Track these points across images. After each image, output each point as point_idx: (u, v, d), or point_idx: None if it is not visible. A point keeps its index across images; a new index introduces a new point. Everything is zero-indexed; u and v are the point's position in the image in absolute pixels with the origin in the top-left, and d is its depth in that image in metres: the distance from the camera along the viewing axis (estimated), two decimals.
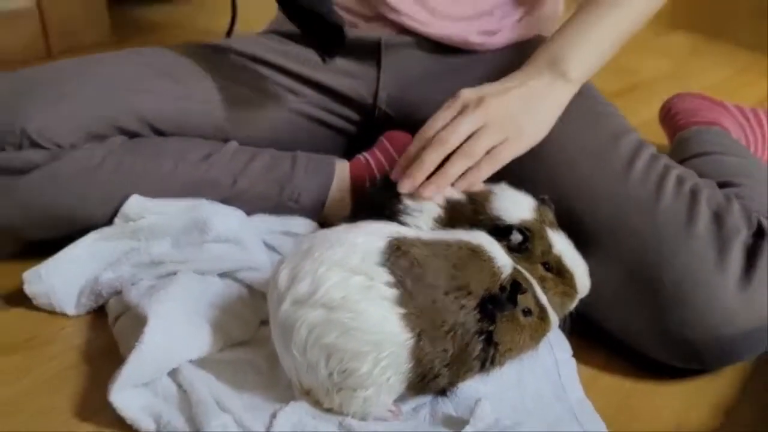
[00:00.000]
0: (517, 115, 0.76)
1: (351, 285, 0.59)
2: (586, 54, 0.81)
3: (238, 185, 0.89)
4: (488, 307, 0.61)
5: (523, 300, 0.63)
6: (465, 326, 0.61)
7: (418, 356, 0.60)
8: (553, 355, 0.73)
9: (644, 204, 0.75)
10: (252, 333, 0.76)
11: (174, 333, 0.69)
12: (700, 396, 0.73)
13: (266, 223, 0.88)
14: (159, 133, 0.89)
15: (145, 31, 1.76)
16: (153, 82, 0.89)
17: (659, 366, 0.74)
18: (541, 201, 0.75)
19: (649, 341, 0.73)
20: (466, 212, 0.75)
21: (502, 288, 0.63)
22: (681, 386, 0.74)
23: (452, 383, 0.66)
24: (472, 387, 0.67)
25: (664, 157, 0.81)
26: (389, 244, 0.62)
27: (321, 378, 0.61)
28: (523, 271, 0.66)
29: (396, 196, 0.75)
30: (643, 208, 0.75)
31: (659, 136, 1.22)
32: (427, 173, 0.74)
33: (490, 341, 0.62)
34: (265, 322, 0.72)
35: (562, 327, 0.75)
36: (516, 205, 0.75)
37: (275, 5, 0.87)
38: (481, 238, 0.66)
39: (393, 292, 0.59)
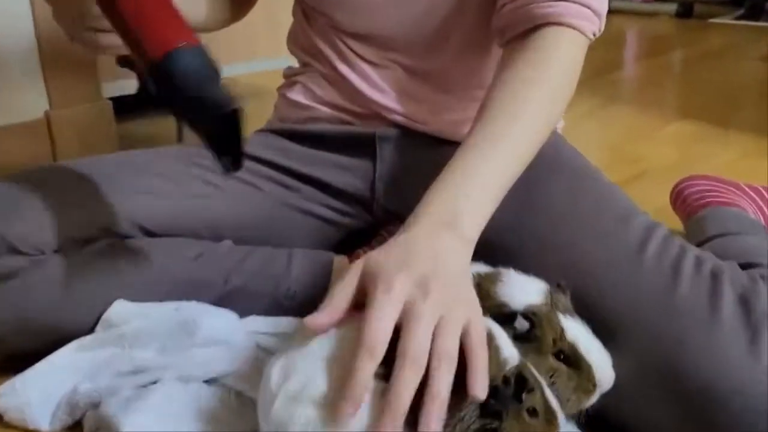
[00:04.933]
0: (456, 289, 0.60)
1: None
2: (483, 206, 0.69)
3: (231, 283, 0.85)
4: (490, 401, 0.56)
5: (530, 398, 0.58)
6: (464, 422, 0.56)
7: None
8: None
9: (660, 291, 0.69)
10: None
11: None
12: None
13: (258, 325, 0.83)
14: (150, 234, 0.86)
15: (152, 144, 1.78)
16: (145, 182, 0.88)
17: None
18: (555, 287, 0.70)
19: None
20: None
21: (506, 381, 0.57)
22: None
23: None
24: None
25: (679, 239, 0.76)
26: None
27: None
28: (531, 368, 0.61)
29: None
30: (659, 296, 0.69)
31: (672, 222, 1.17)
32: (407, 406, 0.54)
33: None
34: None
35: (578, 422, 0.68)
36: (523, 290, 0.69)
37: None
38: (487, 326, 0.62)
39: (387, 385, 0.54)
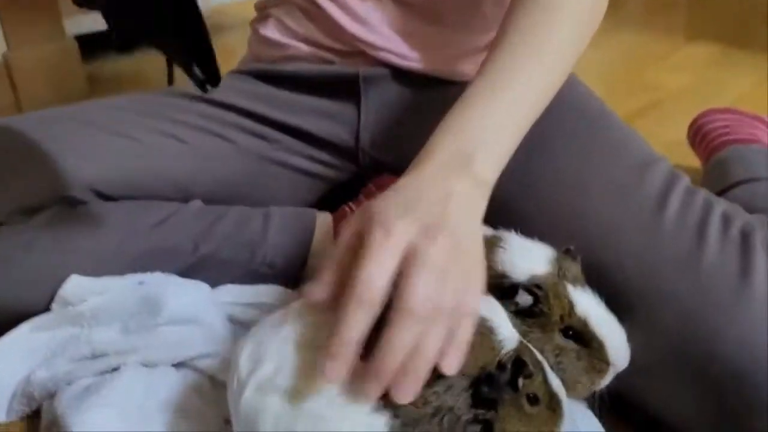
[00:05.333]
0: (463, 240, 0.52)
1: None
2: (500, 146, 0.60)
3: (200, 251, 0.77)
4: (483, 389, 0.50)
5: (528, 385, 0.52)
6: (454, 412, 0.51)
7: None
8: None
9: (683, 257, 0.62)
10: None
11: None
12: None
13: (233, 295, 0.76)
14: (107, 199, 0.77)
15: (123, 83, 1.67)
16: (100, 140, 0.78)
17: None
18: (563, 253, 0.62)
19: (702, 425, 0.60)
20: None
21: (501, 366, 0.52)
22: None
23: None
24: None
25: (703, 192, 0.68)
26: None
27: None
28: (533, 350, 0.55)
29: None
30: (682, 263, 0.61)
31: (689, 158, 1.08)
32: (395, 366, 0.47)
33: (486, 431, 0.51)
34: (229, 421, 0.59)
35: (592, 406, 0.61)
36: (526, 258, 0.62)
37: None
38: (480, 304, 0.54)
39: None
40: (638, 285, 0.62)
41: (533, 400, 0.53)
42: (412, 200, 0.52)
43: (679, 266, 0.61)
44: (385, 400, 0.49)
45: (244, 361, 0.53)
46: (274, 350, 0.52)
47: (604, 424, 0.62)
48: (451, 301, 0.48)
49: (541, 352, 0.57)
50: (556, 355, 0.59)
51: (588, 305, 0.60)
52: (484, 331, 0.53)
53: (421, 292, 0.47)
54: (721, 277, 0.60)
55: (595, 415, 0.62)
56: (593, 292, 0.61)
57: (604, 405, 0.61)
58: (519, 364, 0.51)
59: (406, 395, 0.47)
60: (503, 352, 0.52)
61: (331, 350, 0.46)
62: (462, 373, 0.50)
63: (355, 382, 0.48)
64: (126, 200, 0.77)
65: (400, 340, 0.46)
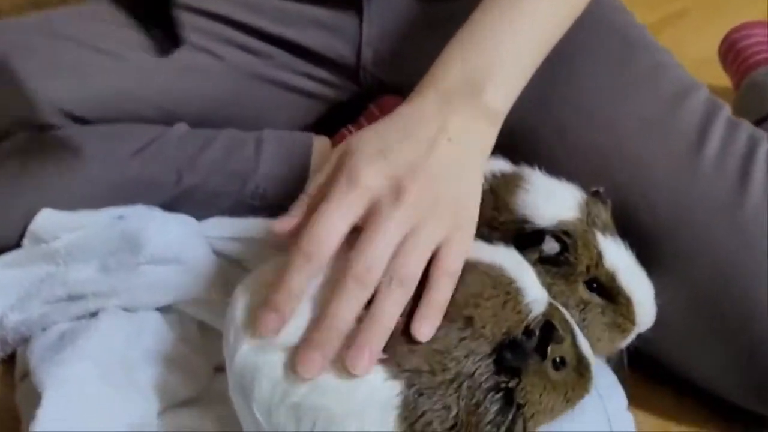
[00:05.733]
0: (446, 192, 0.48)
1: None
2: (514, 72, 0.54)
3: (185, 182, 0.71)
4: (506, 356, 0.47)
5: (556, 349, 0.49)
6: (474, 379, 0.47)
7: (408, 416, 0.47)
8: (603, 407, 0.55)
9: (724, 203, 0.57)
10: (202, 386, 0.60)
11: (84, 404, 0.53)
12: None
13: (222, 229, 0.69)
14: (81, 122, 0.71)
15: None
16: (69, 54, 0.72)
17: (749, 417, 0.59)
18: (592, 195, 0.57)
19: (735, 387, 0.58)
20: (483, 211, 0.54)
21: (528, 332, 0.48)
22: None
23: None
24: None
25: (746, 125, 0.62)
26: None
27: None
28: (561, 308, 0.50)
29: None
30: (721, 207, 0.57)
31: (718, 78, 1.00)
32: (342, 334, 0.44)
33: (510, 401, 0.48)
34: (221, 369, 0.57)
35: (615, 367, 0.58)
36: (552, 201, 0.56)
37: None
38: (505, 258, 0.50)
39: None
40: (670, 232, 0.58)
41: (560, 363, 0.49)
42: (396, 140, 0.48)
43: (719, 211, 0.57)
44: (400, 367, 0.45)
45: (239, 311, 0.49)
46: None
47: (622, 382, 0.59)
48: (415, 266, 0.45)
49: (565, 306, 0.52)
50: (581, 311, 0.54)
51: (618, 256, 0.55)
52: (510, 292, 0.48)
53: (370, 257, 0.44)
54: (765, 223, 0.55)
55: (617, 375, 0.58)
56: (623, 242, 0.56)
57: (622, 362, 0.58)
58: (548, 329, 0.47)
59: (357, 367, 0.43)
60: (531, 316, 0.48)
61: (267, 300, 0.44)
62: (485, 338, 0.46)
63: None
64: (102, 124, 0.72)
65: (339, 308, 0.43)
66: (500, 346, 0.47)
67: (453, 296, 0.47)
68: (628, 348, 0.56)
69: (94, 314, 0.62)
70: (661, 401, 0.62)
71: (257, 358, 0.47)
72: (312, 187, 0.49)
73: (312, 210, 0.46)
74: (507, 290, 0.48)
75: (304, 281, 0.44)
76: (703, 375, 0.59)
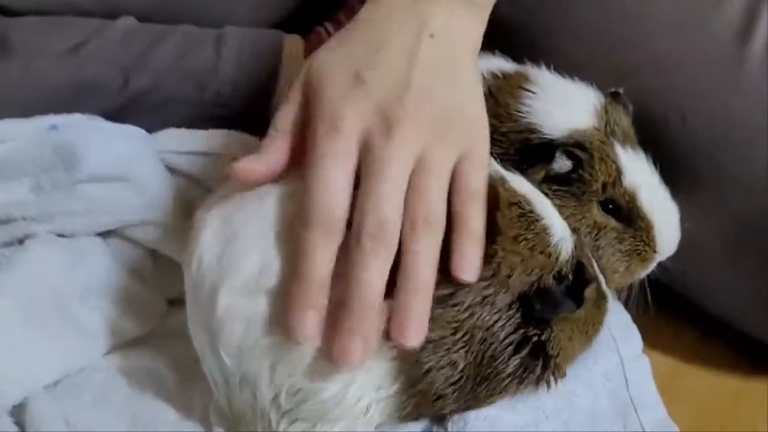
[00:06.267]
0: (443, 104, 0.42)
1: None
2: None
3: (132, 87, 0.64)
4: (536, 307, 0.43)
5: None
6: (492, 332, 0.43)
7: (408, 372, 0.43)
8: (617, 351, 0.51)
9: None
10: (154, 322, 0.54)
11: (9, 349, 0.47)
12: None
13: (177, 142, 0.62)
14: (7, 14, 0.64)
15: None
16: None
17: None
18: (611, 97, 0.51)
19: (750, 319, 0.56)
20: None
21: (560, 277, 0.43)
22: None
23: (465, 408, 0.47)
24: (490, 415, 0.46)
25: None
26: None
27: (261, 401, 0.45)
28: (582, 240, 0.47)
29: None
30: (766, 120, 0.52)
31: None
32: (379, 305, 0.40)
33: (537, 353, 0.45)
34: (175, 302, 0.54)
35: (627, 303, 0.53)
36: (564, 106, 0.50)
37: None
38: (523, 186, 0.45)
39: None
40: (706, 144, 0.53)
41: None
42: (369, 55, 0.42)
43: (761, 122, 0.52)
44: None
45: (207, 243, 0.44)
46: (253, 238, 0.42)
47: (642, 325, 0.54)
48: (436, 201, 0.40)
49: (576, 231, 0.47)
50: (594, 236, 0.49)
51: (639, 173, 0.50)
52: (537, 231, 0.43)
53: (379, 211, 0.39)
54: None
55: (630, 313, 0.54)
56: (646, 155, 0.51)
57: (645, 297, 0.54)
58: (580, 270, 0.44)
59: (409, 337, 0.38)
60: (562, 258, 0.43)
61: (293, 295, 0.39)
62: (508, 287, 0.42)
63: None
64: (33, 16, 0.65)
65: (364, 276, 0.38)
66: (525, 294, 0.43)
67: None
68: (647, 279, 0.52)
69: (23, 242, 0.54)
70: (680, 341, 0.59)
71: (231, 300, 0.42)
72: (281, 121, 0.43)
73: (284, 151, 0.42)
74: (532, 228, 0.43)
75: (327, 258, 0.39)
76: (732, 309, 0.57)
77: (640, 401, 0.50)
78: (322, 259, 0.39)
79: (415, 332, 0.38)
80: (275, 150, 0.43)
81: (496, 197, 0.43)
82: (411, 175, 0.40)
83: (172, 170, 0.60)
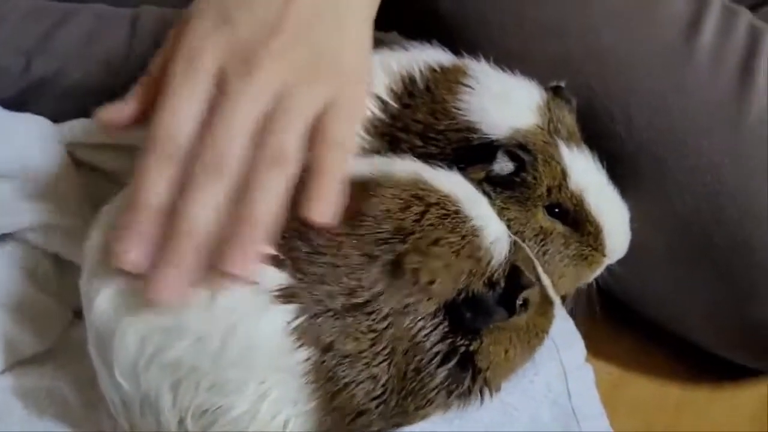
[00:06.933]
0: (318, 45, 0.41)
1: None
2: None
3: (33, 71, 0.59)
4: (465, 316, 0.40)
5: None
6: (416, 341, 0.41)
7: (325, 386, 0.41)
8: (559, 360, 0.49)
9: (719, 104, 0.51)
10: (57, 335, 0.50)
11: None
12: None
13: (83, 134, 0.57)
14: None
15: None
16: None
17: (722, 366, 0.56)
18: (552, 92, 0.48)
19: (714, 334, 0.55)
20: (416, 117, 0.47)
21: (492, 282, 0.40)
22: (755, 394, 0.57)
23: (393, 425, 0.44)
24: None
25: (746, 14, 0.54)
26: None
27: (166, 422, 0.41)
28: (522, 244, 0.43)
29: None
30: (717, 113, 0.50)
31: None
32: (203, 241, 0.38)
33: (465, 365, 0.42)
34: (80, 314, 0.48)
35: (572, 311, 0.51)
36: (505, 103, 0.47)
37: None
38: (455, 185, 0.43)
39: (278, 278, 0.39)
40: (653, 142, 0.51)
41: (522, 306, 0.43)
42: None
43: (714, 118, 0.50)
44: (302, 273, 0.39)
45: (98, 242, 0.41)
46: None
47: (585, 331, 0.52)
48: (287, 138, 0.38)
49: (521, 236, 0.45)
50: (540, 242, 0.47)
51: (585, 174, 0.47)
52: (464, 233, 0.40)
53: (219, 141, 0.38)
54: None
55: (574, 320, 0.52)
56: (591, 153, 0.48)
57: (591, 303, 0.52)
58: (515, 275, 0.41)
59: (233, 265, 0.36)
60: (494, 262, 0.41)
61: (120, 223, 0.38)
62: (432, 294, 0.40)
63: None
64: None
65: (189, 207, 0.37)
66: (453, 302, 0.40)
67: (380, 234, 0.39)
68: (595, 284, 0.50)
69: None
70: (619, 348, 0.58)
71: (122, 308, 0.39)
72: (152, 65, 0.42)
73: (151, 94, 0.41)
74: (459, 230, 0.40)
75: (160, 188, 0.37)
76: (674, 315, 0.55)
77: (582, 412, 0.48)
78: (153, 184, 0.37)
79: (233, 262, 0.36)
80: (143, 93, 0.42)
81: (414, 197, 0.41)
82: (267, 114, 0.39)
83: (79, 164, 0.56)
